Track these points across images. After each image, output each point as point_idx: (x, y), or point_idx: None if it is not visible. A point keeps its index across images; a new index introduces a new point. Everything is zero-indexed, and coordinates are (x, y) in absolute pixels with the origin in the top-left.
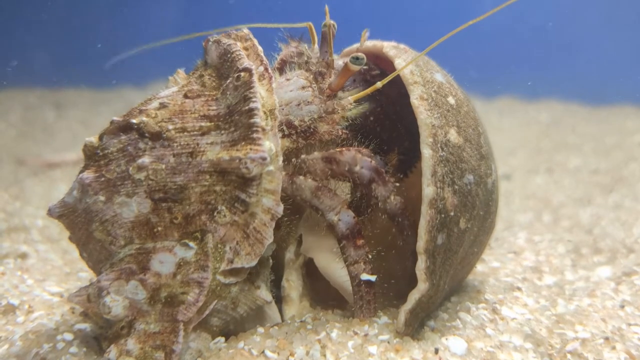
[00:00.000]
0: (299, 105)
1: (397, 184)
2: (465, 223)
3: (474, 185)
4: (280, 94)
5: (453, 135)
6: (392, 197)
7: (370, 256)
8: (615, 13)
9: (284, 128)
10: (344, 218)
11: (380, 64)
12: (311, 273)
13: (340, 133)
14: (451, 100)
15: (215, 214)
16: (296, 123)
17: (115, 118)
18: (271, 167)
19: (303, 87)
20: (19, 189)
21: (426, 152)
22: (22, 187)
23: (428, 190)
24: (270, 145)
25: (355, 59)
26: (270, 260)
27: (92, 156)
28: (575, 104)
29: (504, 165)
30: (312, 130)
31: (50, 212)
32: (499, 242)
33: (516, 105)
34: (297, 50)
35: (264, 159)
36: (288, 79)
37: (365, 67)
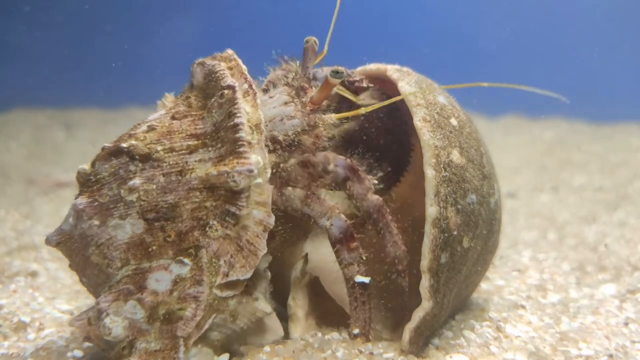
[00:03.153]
0: (282, 120)
1: (375, 182)
2: (469, 242)
3: (476, 204)
4: (264, 111)
5: (456, 156)
6: (369, 195)
7: (364, 257)
8: (621, 31)
9: (269, 144)
10: (335, 222)
11: (384, 86)
12: (317, 291)
13: (326, 146)
14: (454, 121)
15: (207, 229)
16: (280, 138)
17: (106, 144)
18: (259, 180)
19: (286, 103)
20: (29, 208)
21: (429, 172)
22: (32, 206)
23: (431, 210)
24: (258, 158)
25: (335, 73)
26: (268, 273)
27: (86, 182)
28: (580, 121)
29: (508, 183)
30: (296, 143)
31: (49, 241)
32: (504, 260)
33: (521, 123)
34: (284, 72)
35: (251, 171)
36: (271, 97)
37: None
